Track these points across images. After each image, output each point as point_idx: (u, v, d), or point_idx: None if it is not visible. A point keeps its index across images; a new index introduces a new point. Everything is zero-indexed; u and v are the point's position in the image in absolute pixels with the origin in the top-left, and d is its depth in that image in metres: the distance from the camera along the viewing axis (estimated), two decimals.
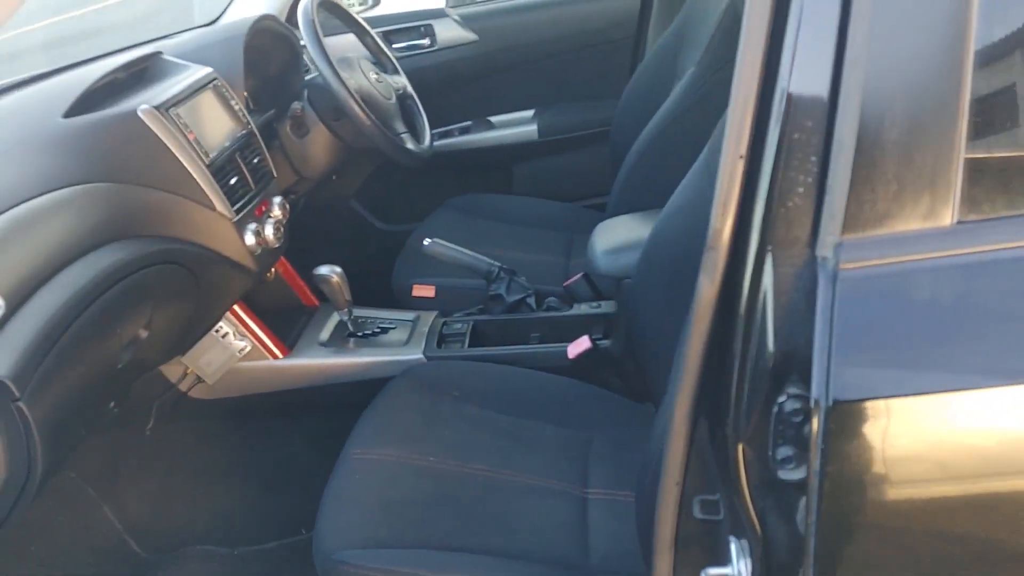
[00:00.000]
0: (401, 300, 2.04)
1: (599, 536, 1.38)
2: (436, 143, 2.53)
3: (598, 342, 1.74)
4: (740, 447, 0.82)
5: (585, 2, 2.59)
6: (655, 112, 2.13)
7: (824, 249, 0.74)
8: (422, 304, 1.99)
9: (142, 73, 1.77)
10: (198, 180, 1.57)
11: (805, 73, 0.72)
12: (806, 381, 0.77)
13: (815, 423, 0.73)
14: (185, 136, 1.57)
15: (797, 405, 0.78)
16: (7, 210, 1.27)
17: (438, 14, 2.48)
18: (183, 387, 1.80)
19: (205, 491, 1.88)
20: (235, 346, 1.77)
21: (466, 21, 2.46)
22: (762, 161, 0.75)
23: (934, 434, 0.72)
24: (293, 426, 1.89)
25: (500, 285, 1.89)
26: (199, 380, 1.79)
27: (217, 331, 1.76)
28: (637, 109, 2.22)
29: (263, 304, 1.85)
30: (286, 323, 1.90)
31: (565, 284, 1.94)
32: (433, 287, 1.99)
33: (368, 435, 1.52)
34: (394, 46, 2.48)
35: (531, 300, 1.89)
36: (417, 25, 2.48)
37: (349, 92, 1.86)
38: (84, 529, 1.82)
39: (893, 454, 0.73)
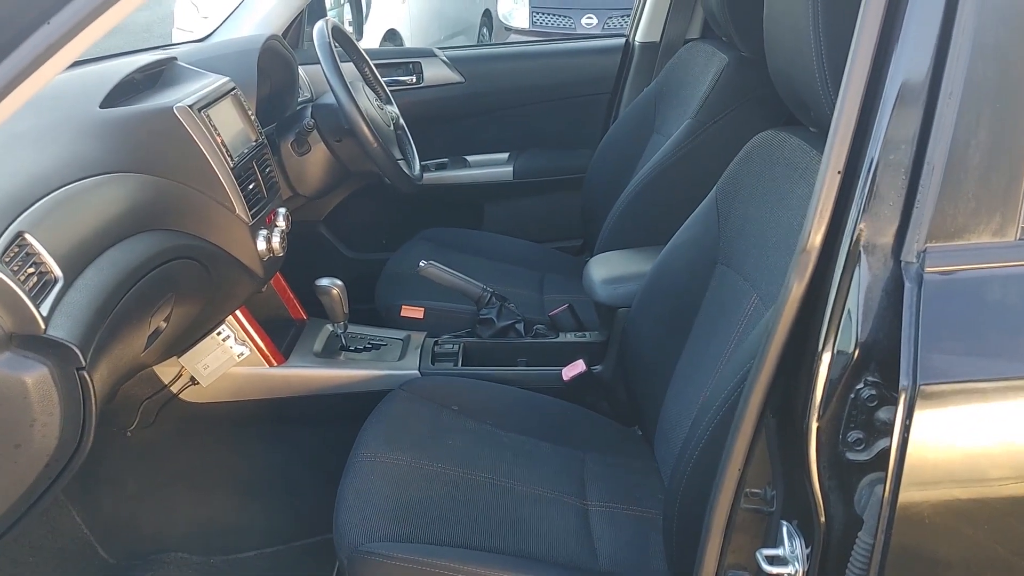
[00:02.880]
0: (386, 320, 2.08)
1: (603, 542, 1.45)
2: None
3: (590, 367, 1.83)
4: (814, 429, 0.92)
5: (567, 57, 2.76)
6: (630, 162, 2.29)
7: (909, 255, 0.86)
8: (409, 325, 2.04)
9: (157, 76, 1.80)
10: (223, 181, 1.61)
11: (905, 103, 0.85)
12: (883, 370, 0.88)
13: (901, 403, 0.84)
14: (215, 137, 1.61)
15: (873, 392, 0.89)
16: (58, 188, 1.28)
17: (427, 53, 2.58)
18: (175, 388, 1.78)
19: (183, 497, 1.85)
20: (234, 351, 1.77)
21: (453, 62, 2.57)
22: (857, 176, 0.88)
23: (1002, 414, 0.84)
24: (279, 436, 1.89)
25: (491, 310, 1.97)
26: (193, 382, 1.78)
27: (218, 334, 1.76)
28: (614, 159, 2.37)
29: (256, 314, 1.87)
30: (278, 334, 1.92)
31: (551, 314, 2.03)
32: (422, 309, 2.04)
33: (376, 440, 1.55)
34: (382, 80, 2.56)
35: (520, 326, 1.97)
36: (406, 62, 2.57)
37: (361, 114, 1.93)
38: (50, 532, 1.76)
39: (967, 431, 0.85)
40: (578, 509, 1.51)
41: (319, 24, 2.00)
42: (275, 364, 1.82)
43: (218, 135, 1.63)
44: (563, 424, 1.73)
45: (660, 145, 2.13)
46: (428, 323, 2.04)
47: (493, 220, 2.69)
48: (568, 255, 2.57)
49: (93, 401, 1.13)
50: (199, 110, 1.61)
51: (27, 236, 1.14)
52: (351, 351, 1.92)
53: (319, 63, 2.01)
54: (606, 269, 1.86)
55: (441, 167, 2.66)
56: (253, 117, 1.83)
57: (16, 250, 1.12)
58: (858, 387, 0.89)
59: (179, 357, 1.75)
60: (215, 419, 1.83)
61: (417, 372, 1.85)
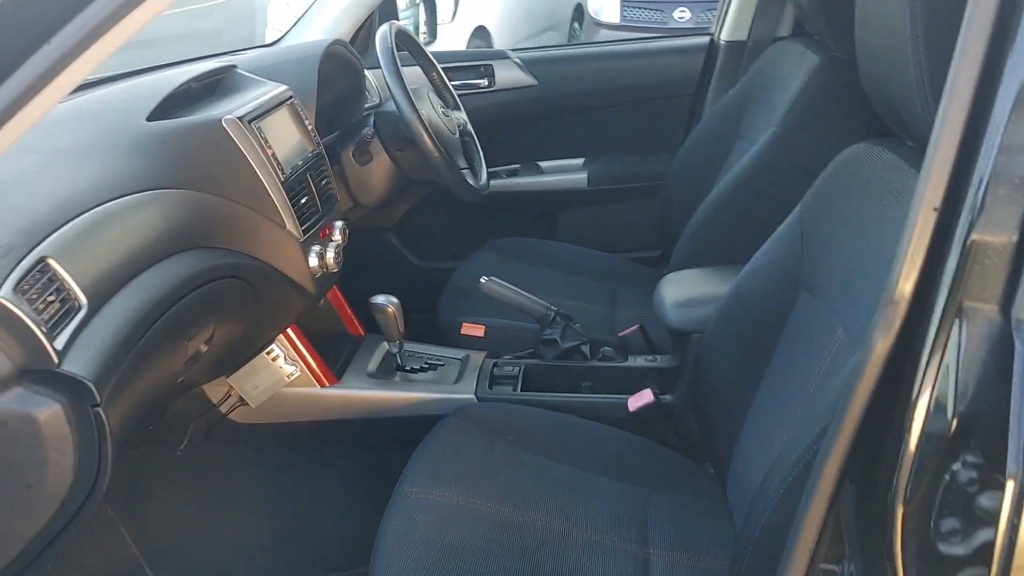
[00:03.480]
0: (447, 337, 1.99)
1: None
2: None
3: (659, 397, 1.69)
4: (900, 514, 0.77)
5: (646, 58, 2.60)
6: (713, 169, 2.13)
7: (1021, 311, 0.71)
8: (470, 343, 1.94)
9: (215, 85, 1.74)
10: (272, 196, 1.54)
11: (1019, 126, 0.70)
12: (987, 449, 0.73)
13: (1009, 491, 0.69)
14: (264, 150, 1.54)
15: (973, 475, 0.74)
16: (91, 209, 1.22)
17: (499, 55, 2.47)
18: (224, 408, 1.73)
19: (230, 520, 1.80)
20: (284, 370, 1.71)
21: (527, 64, 2.45)
22: (958, 215, 0.72)
23: None
24: (330, 459, 1.83)
25: (555, 330, 1.85)
26: (241, 402, 1.73)
27: (268, 353, 1.70)
28: (695, 166, 2.21)
29: (311, 330, 1.80)
30: (333, 351, 1.85)
31: (620, 335, 1.90)
32: (483, 327, 1.94)
33: (423, 474, 1.46)
34: (451, 83, 2.47)
35: (585, 348, 1.85)
36: (477, 64, 2.47)
37: (422, 123, 1.84)
38: (100, 551, 1.74)
39: None
40: (637, 557, 1.38)
41: (382, 28, 1.92)
42: (326, 385, 1.75)
43: (269, 147, 1.56)
44: (627, 459, 1.60)
45: (745, 152, 1.98)
46: (489, 341, 1.94)
47: (567, 229, 2.57)
48: (645, 267, 2.42)
49: (108, 439, 1.07)
50: (250, 122, 1.54)
51: (51, 261, 1.08)
52: (407, 371, 1.83)
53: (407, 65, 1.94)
54: (678, 290, 1.71)
55: (513, 174, 2.55)
56: (310, 127, 1.76)
57: (37, 276, 1.06)
58: (954, 467, 0.74)
59: (228, 377, 1.70)
60: (264, 440, 1.78)
61: (473, 396, 1.75)
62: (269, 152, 1.56)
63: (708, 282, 1.73)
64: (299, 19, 2.36)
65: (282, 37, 2.36)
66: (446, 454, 1.51)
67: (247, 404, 1.72)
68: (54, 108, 1.48)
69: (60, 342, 1.05)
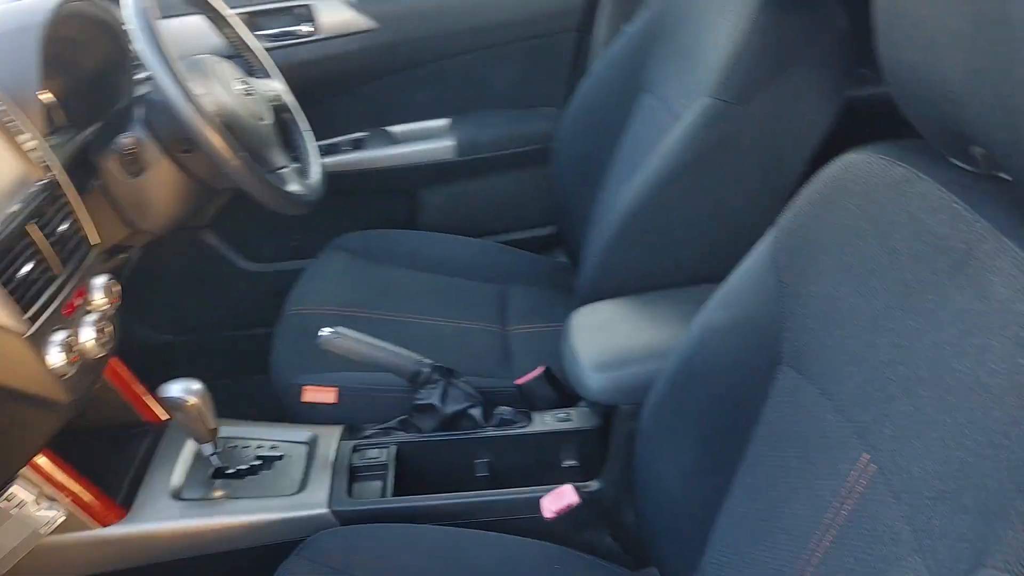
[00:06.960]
0: (287, 404, 1.46)
1: None
2: (324, 160, 1.94)
3: (584, 490, 1.24)
4: None
5: None
6: (613, 131, 1.64)
7: None
8: (317, 412, 1.42)
9: None
10: None
11: None
12: None
13: None
14: None
15: None
16: None
17: None
18: None
19: None
20: (39, 519, 1.16)
21: (362, 3, 1.85)
22: None
23: None
24: None
25: (432, 391, 1.36)
26: None
27: (9, 500, 1.14)
28: (591, 125, 1.71)
29: (79, 429, 1.25)
30: (116, 460, 1.31)
31: (518, 382, 1.43)
32: (335, 389, 1.42)
33: None
34: (259, 32, 1.86)
35: (476, 412, 1.37)
36: (289, 6, 1.85)
37: (204, 117, 1.26)
38: None
39: None
40: None
41: None
42: (110, 523, 1.21)
43: None
44: None
45: (656, 111, 1.50)
46: (344, 408, 1.42)
47: (431, 211, 2.03)
48: (538, 255, 1.92)
49: None
50: None
51: None
52: (230, 475, 1.31)
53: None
54: (597, 343, 1.23)
55: (357, 145, 1.98)
56: (32, 144, 1.16)
57: None
58: None
59: None
60: None
61: (327, 511, 1.26)
62: None
63: (637, 327, 1.26)
64: None
65: None
66: None
67: None
68: None
69: None
